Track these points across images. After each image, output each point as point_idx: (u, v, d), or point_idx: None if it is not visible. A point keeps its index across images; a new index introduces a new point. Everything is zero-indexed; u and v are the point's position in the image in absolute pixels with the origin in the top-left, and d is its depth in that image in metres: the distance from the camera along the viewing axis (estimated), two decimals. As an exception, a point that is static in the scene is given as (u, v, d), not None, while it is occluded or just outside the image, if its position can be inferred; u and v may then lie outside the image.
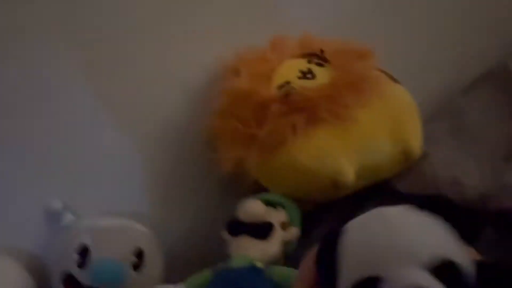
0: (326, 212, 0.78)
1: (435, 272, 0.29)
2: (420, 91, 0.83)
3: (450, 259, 0.30)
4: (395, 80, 0.81)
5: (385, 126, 0.73)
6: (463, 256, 0.31)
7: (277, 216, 0.70)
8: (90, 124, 0.72)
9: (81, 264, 0.62)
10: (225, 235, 0.69)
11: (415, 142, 0.77)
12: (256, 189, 0.76)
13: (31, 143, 0.70)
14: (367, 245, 0.32)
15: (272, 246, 0.67)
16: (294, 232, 0.69)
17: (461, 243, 0.32)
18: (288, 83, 0.73)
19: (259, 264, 0.63)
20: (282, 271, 0.62)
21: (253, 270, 0.62)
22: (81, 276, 0.62)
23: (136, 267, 0.64)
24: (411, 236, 0.31)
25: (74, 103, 0.70)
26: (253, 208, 0.68)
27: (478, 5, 1.10)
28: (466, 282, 0.30)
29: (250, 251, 0.66)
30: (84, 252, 0.63)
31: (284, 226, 0.70)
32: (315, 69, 0.76)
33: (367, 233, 0.33)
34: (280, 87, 0.73)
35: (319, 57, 0.78)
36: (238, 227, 0.68)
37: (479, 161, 0.74)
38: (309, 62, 0.77)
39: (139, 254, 0.65)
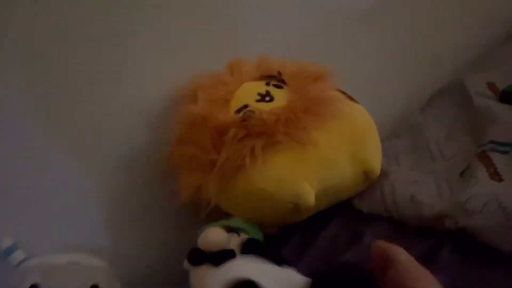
0: (290, 234, 0.77)
1: None
2: (379, 109, 0.85)
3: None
4: (353, 100, 0.82)
5: (344, 147, 0.73)
6: None
7: (240, 242, 0.68)
8: (42, 157, 0.69)
9: (33, 305, 0.59)
10: (186, 264, 0.67)
11: (375, 162, 0.77)
12: (219, 215, 0.75)
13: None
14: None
15: (234, 275, 0.65)
16: (256, 258, 0.68)
17: None
18: (246, 106, 0.73)
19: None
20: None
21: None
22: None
23: (91, 304, 0.61)
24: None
25: (23, 135, 0.67)
26: (213, 236, 0.66)
27: (433, 20, 1.13)
28: None
29: (211, 281, 0.64)
30: (34, 293, 0.59)
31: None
32: (274, 91, 0.76)
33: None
34: (238, 111, 0.72)
35: (277, 79, 0.78)
36: (199, 256, 0.66)
37: (436, 178, 0.75)
38: (267, 84, 0.77)
39: (95, 290, 0.62)
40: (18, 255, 0.66)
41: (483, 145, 0.75)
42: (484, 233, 0.58)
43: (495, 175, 0.67)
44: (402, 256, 0.40)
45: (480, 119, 0.84)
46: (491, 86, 0.94)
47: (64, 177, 0.71)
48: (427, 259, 0.42)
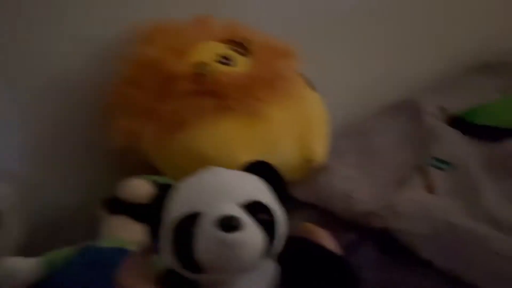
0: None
1: (247, 209, 0.32)
2: (334, 107, 0.84)
3: (261, 201, 0.33)
4: (313, 88, 0.80)
5: (293, 129, 0.72)
6: (276, 208, 0.35)
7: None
8: None
9: None
10: (101, 212, 0.63)
11: (319, 152, 0.76)
12: (146, 170, 0.71)
13: None
14: (190, 187, 0.35)
15: (150, 231, 0.61)
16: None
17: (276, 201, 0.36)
18: (204, 64, 0.69)
19: (131, 248, 0.57)
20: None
21: (123, 252, 0.55)
22: None
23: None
24: (231, 181, 0.35)
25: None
26: (138, 188, 0.62)
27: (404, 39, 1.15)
28: (273, 221, 0.33)
29: (125, 233, 0.60)
30: None
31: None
32: (236, 57, 0.72)
33: (192, 180, 0.36)
34: (195, 66, 0.68)
35: (242, 46, 0.75)
36: (118, 205, 0.62)
37: (374, 181, 0.76)
38: (231, 48, 0.74)
39: (-7, 216, 0.56)
40: None
41: (424, 159, 0.77)
42: (407, 237, 0.59)
43: (430, 188, 0.68)
44: (326, 238, 0.41)
45: (426, 135, 0.87)
46: (443, 109, 0.97)
47: None
48: (348, 252, 0.42)
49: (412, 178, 0.71)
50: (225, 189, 0.34)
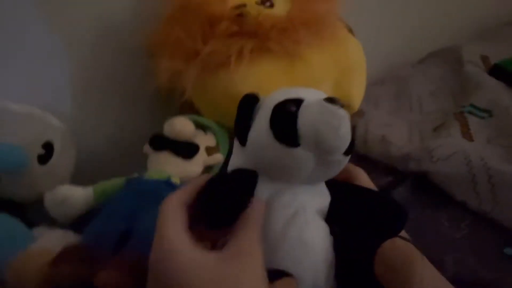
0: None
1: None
2: (373, 55, 0.83)
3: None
4: (353, 33, 0.79)
5: (331, 72, 0.72)
6: None
7: (205, 140, 0.67)
8: (19, 12, 0.64)
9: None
10: (147, 148, 0.66)
11: (356, 97, 0.76)
12: (188, 110, 0.73)
13: None
14: (288, 90, 0.36)
15: (193, 167, 0.65)
16: (218, 158, 0.67)
17: None
18: (244, 5, 0.69)
19: (175, 180, 0.61)
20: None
21: (167, 184, 0.59)
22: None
23: (43, 159, 0.59)
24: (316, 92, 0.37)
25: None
26: (182, 126, 0.65)
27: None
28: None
29: (169, 167, 0.63)
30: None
31: (210, 151, 0.68)
32: (276, -1, 0.72)
33: (285, 89, 0.37)
34: (236, 7, 0.68)
35: (282, -12, 0.74)
36: (162, 142, 0.65)
37: (410, 126, 0.76)
38: (272, -10, 0.73)
39: (48, 147, 0.60)
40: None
41: (462, 107, 0.76)
42: (444, 179, 0.60)
43: (467, 135, 0.68)
44: (362, 175, 0.42)
45: (466, 83, 0.85)
46: (484, 58, 0.95)
47: (46, 39, 0.66)
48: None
49: (450, 125, 0.70)
50: (319, 91, 0.36)
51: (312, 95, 0.34)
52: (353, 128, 0.34)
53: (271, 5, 0.71)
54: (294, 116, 0.32)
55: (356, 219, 0.35)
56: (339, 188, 0.37)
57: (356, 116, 0.77)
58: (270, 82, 0.67)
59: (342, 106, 0.32)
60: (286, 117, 0.32)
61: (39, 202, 0.59)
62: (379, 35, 1.01)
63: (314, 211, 0.35)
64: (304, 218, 0.34)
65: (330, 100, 0.32)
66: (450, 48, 1.02)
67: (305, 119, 0.32)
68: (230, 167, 0.37)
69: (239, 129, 0.36)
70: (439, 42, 1.09)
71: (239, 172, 0.36)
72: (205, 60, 0.66)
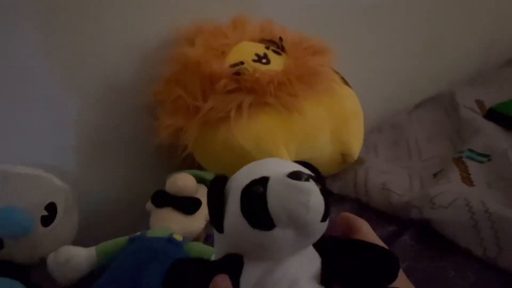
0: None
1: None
2: (369, 102, 0.85)
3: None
4: (347, 83, 0.82)
5: (329, 124, 0.74)
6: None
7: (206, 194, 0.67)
8: (31, 73, 0.67)
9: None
10: (149, 205, 0.66)
11: (355, 146, 0.78)
12: (189, 165, 0.74)
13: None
14: (248, 168, 0.35)
15: (195, 223, 0.65)
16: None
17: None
18: (242, 63, 0.72)
19: (178, 237, 0.60)
20: (200, 247, 0.60)
21: (170, 241, 0.59)
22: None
23: (46, 221, 0.60)
24: (285, 160, 0.36)
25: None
26: (183, 181, 0.65)
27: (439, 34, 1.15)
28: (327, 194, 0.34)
29: (171, 224, 0.63)
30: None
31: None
32: (271, 55, 0.75)
33: (247, 166, 0.36)
34: (233, 65, 0.71)
35: (277, 45, 0.78)
36: (164, 199, 0.65)
37: (410, 173, 0.77)
38: (267, 48, 0.76)
39: (51, 209, 0.60)
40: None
41: (461, 152, 0.77)
42: (446, 227, 0.59)
43: (467, 180, 0.68)
44: (365, 226, 0.41)
45: (463, 128, 0.86)
46: (479, 103, 0.97)
47: (46, 92, 0.69)
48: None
49: (449, 170, 0.71)
50: (283, 162, 0.35)
51: (277, 170, 0.33)
52: (327, 193, 0.34)
53: (267, 62, 0.74)
54: (263, 199, 0.32)
55: (349, 274, 0.35)
56: (327, 245, 0.37)
57: (356, 164, 0.77)
58: (268, 134, 0.69)
59: (308, 178, 0.32)
60: (255, 201, 0.32)
61: (42, 264, 0.59)
62: (373, 82, 1.04)
63: (308, 279, 0.35)
64: None
65: (294, 174, 0.32)
66: (444, 93, 1.04)
67: (274, 200, 0.32)
68: (216, 255, 0.37)
69: (214, 217, 0.35)
70: (432, 87, 1.12)
71: (224, 258, 0.36)
72: (206, 115, 0.68)
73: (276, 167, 0.34)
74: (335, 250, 0.37)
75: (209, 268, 0.34)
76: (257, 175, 0.33)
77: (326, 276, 0.35)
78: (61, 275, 0.59)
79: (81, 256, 0.59)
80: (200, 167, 0.75)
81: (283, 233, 0.33)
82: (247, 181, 0.33)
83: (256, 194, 0.32)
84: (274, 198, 0.32)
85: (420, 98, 1.10)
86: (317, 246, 0.36)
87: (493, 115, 0.88)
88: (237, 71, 0.69)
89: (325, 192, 0.35)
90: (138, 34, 0.76)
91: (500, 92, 0.99)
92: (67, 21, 0.68)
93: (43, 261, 0.59)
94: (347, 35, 0.97)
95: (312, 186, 0.32)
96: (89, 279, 0.59)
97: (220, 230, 0.35)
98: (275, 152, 0.68)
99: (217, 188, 0.35)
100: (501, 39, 1.27)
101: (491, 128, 0.82)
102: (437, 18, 1.14)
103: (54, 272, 0.59)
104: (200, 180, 0.70)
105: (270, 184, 0.32)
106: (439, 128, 0.94)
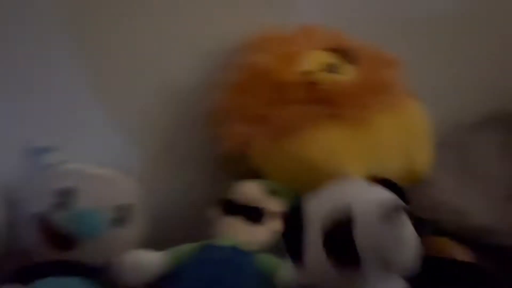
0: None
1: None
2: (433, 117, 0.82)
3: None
4: (415, 97, 0.79)
5: (399, 139, 0.71)
6: None
7: (274, 204, 0.67)
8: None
9: (60, 209, 0.58)
10: (216, 213, 0.66)
11: (423, 164, 0.75)
12: (252, 176, 0.73)
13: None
14: (332, 194, 0.37)
15: (263, 233, 0.64)
16: (286, 224, 0.66)
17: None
18: (312, 72, 0.71)
19: (244, 246, 0.60)
20: (269, 259, 0.59)
21: (240, 252, 0.58)
22: (57, 221, 0.57)
23: (118, 223, 0.60)
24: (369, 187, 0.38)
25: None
26: (252, 190, 0.65)
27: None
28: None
29: (239, 234, 0.62)
30: (65, 196, 0.58)
31: (278, 216, 0.67)
32: (342, 66, 0.73)
33: (329, 191, 0.37)
34: (304, 74, 0.70)
35: (348, 55, 0.76)
36: (232, 207, 0.65)
37: (482, 194, 0.73)
38: (338, 57, 0.75)
39: (124, 210, 0.61)
40: (53, 156, 0.64)
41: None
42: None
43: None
44: (461, 252, 0.40)
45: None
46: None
47: (116, 99, 0.72)
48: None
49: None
50: (366, 186, 0.34)
51: (361, 198, 0.33)
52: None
53: (338, 72, 0.72)
54: (351, 242, 0.31)
55: None
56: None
57: (428, 184, 0.74)
58: (339, 147, 0.67)
59: (399, 214, 0.30)
60: (342, 244, 0.32)
61: (111, 266, 0.59)
62: (437, 96, 1.01)
63: None
64: None
65: (387, 217, 0.30)
66: (501, 111, 1.00)
67: (364, 243, 0.31)
68: None
69: (291, 249, 0.35)
70: (495, 103, 1.08)
71: None
72: (275, 125, 0.67)
73: (360, 194, 0.33)
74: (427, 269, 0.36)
75: None
76: (339, 205, 0.32)
77: None
78: (130, 278, 0.59)
79: (151, 260, 0.60)
80: (261, 177, 0.74)
81: (368, 270, 0.32)
82: (329, 213, 0.33)
83: (343, 238, 0.32)
84: (365, 240, 0.30)
85: (482, 113, 1.06)
86: None
87: None
88: (312, 80, 0.68)
89: (417, 226, 0.34)
90: (204, 39, 0.76)
91: None
92: (129, 26, 0.70)
93: (113, 262, 0.59)
94: (415, 48, 0.94)
95: (404, 220, 0.30)
96: (157, 283, 0.59)
97: (297, 260, 0.35)
98: (346, 166, 0.66)
99: (293, 221, 0.35)
100: None
101: None
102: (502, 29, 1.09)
103: (124, 274, 0.59)
104: (266, 190, 0.68)
105: (360, 225, 0.31)
106: (503, 147, 0.90)
